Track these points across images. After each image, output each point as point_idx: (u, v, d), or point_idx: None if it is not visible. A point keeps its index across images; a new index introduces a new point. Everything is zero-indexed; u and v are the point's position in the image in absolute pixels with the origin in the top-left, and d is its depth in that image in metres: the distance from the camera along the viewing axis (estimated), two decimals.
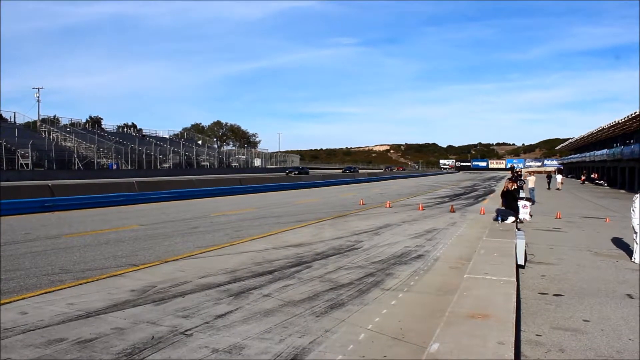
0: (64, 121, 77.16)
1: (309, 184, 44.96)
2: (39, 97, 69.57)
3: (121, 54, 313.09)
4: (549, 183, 46.47)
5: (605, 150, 56.65)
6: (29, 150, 49.18)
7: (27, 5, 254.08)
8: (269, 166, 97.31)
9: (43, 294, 7.56)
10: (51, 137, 64.92)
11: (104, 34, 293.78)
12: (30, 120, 69.67)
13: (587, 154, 71.61)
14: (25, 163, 49.37)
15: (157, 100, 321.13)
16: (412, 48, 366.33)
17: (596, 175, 62.78)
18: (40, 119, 70.96)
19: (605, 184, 55.76)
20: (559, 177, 46.54)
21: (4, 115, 69.90)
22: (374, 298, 7.70)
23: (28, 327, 6.03)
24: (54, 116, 77.83)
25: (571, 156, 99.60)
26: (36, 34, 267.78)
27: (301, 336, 5.91)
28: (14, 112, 78.70)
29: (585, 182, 60.88)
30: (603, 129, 52.02)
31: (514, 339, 4.45)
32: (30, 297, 7.37)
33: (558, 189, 42.44)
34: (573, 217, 20.73)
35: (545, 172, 63.02)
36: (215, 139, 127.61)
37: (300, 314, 6.75)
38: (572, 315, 7.05)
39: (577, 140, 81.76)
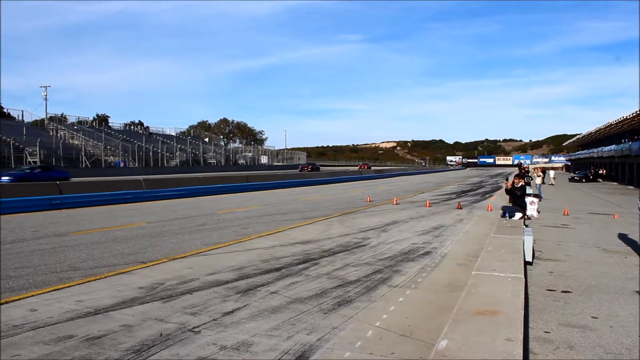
0: (71, 119, 77.46)
1: (315, 181, 44.94)
2: (46, 95, 69.84)
3: (127, 52, 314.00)
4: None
5: (613, 146, 56.35)
6: (37, 149, 49.40)
7: (33, 3, 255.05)
8: (275, 163, 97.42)
9: (52, 291, 7.60)
10: (59, 135, 65.18)
11: (110, 31, 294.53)
12: (38, 119, 70.20)
13: (595, 150, 71.27)
14: (33, 161, 49.56)
15: (164, 97, 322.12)
16: (418, 44, 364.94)
17: (604, 171, 62.42)
18: (48, 117, 71.23)
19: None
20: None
21: (12, 113, 70.33)
22: (381, 295, 7.69)
23: (37, 324, 6.07)
24: (62, 114, 78.07)
25: (579, 152, 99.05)
26: (43, 32, 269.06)
27: (309, 333, 5.91)
28: (22, 111, 79.07)
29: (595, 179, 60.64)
30: (611, 124, 51.75)
31: (522, 335, 4.44)
32: (39, 294, 7.42)
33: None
34: (581, 213, 20.65)
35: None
36: (221, 137, 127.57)
37: (307, 311, 6.75)
38: (580, 312, 7.03)
39: (584, 136, 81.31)
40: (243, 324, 6.18)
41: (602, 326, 6.42)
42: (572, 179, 57.68)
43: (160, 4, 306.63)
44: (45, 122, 69.56)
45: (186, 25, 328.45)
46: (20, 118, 67.23)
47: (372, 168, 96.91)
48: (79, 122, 76.70)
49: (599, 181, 55.10)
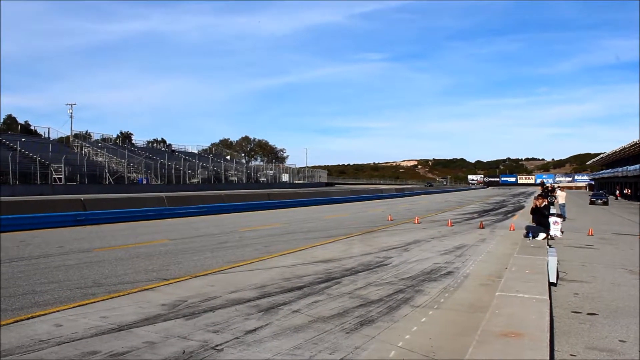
0: (95, 136, 78.76)
1: (337, 200, 44.95)
2: (71, 113, 71.11)
3: (150, 70, 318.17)
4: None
5: (638, 166, 55.44)
6: (62, 165, 50.23)
7: (60, 24, 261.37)
8: (296, 181, 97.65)
9: (77, 306, 7.69)
10: (83, 152, 66.28)
11: (134, 50, 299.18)
12: (63, 136, 71.39)
13: (620, 169, 70.20)
14: (58, 177, 50.42)
15: (186, 115, 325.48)
16: (439, 63, 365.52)
17: (629, 191, 61.43)
18: (73, 134, 72.54)
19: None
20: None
21: (38, 131, 71.90)
22: (403, 315, 7.64)
23: (62, 339, 6.14)
24: (86, 132, 79.51)
25: (602, 171, 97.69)
26: (69, 52, 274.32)
27: (331, 352, 5.89)
28: (48, 128, 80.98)
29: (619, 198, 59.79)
30: (636, 143, 51.06)
31: (548, 358, 4.38)
32: (64, 309, 7.51)
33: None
34: (605, 233, 20.31)
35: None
36: (243, 154, 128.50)
37: (330, 330, 6.73)
38: (607, 335, 6.89)
39: (608, 155, 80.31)
40: (265, 343, 6.18)
41: (631, 350, 6.29)
42: (591, 202, 53.48)
43: (183, 24, 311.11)
44: (70, 139, 70.79)
45: (208, 44, 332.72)
46: (46, 135, 68.83)
47: (394, 187, 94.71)
48: (103, 140, 77.88)
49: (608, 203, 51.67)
